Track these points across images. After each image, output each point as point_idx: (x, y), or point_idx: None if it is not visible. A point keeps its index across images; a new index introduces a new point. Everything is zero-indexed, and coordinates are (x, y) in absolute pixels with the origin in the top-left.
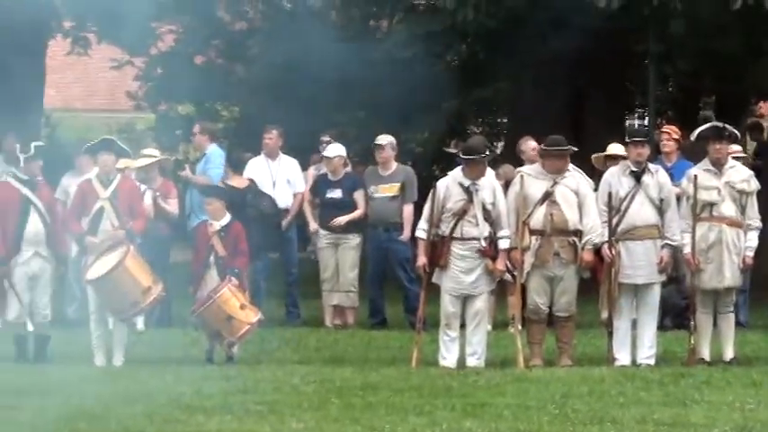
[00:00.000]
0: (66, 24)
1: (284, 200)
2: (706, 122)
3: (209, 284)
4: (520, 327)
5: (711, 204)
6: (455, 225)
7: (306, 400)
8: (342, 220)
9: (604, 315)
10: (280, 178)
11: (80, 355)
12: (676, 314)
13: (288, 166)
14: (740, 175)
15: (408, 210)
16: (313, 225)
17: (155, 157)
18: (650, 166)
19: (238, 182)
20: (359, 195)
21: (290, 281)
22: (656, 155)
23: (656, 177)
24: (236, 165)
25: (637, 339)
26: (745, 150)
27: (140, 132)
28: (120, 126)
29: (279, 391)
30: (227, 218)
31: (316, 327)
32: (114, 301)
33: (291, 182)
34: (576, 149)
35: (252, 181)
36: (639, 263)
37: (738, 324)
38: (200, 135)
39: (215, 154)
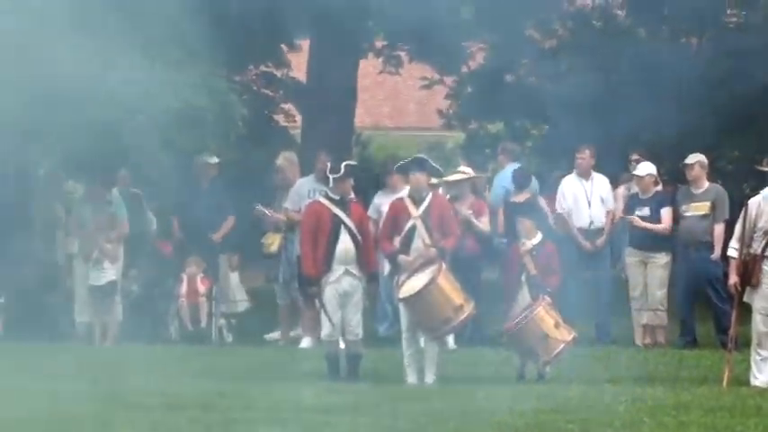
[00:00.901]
0: (378, 44)
1: (599, 218)
2: None
3: (521, 303)
4: None
5: None
6: (767, 244)
7: (617, 419)
8: (642, 224)
9: None
10: (594, 197)
11: (392, 374)
12: None
13: (600, 184)
14: None
15: (719, 228)
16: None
17: (465, 173)
18: None
19: (520, 197)
20: (665, 212)
21: (602, 299)
22: None
23: None
24: (520, 182)
25: None
26: None
27: (449, 150)
28: (430, 144)
29: (591, 409)
30: (539, 236)
31: (626, 345)
32: (426, 319)
33: (604, 200)
34: None
35: (532, 195)
36: None
37: None
38: (501, 155)
39: (504, 174)
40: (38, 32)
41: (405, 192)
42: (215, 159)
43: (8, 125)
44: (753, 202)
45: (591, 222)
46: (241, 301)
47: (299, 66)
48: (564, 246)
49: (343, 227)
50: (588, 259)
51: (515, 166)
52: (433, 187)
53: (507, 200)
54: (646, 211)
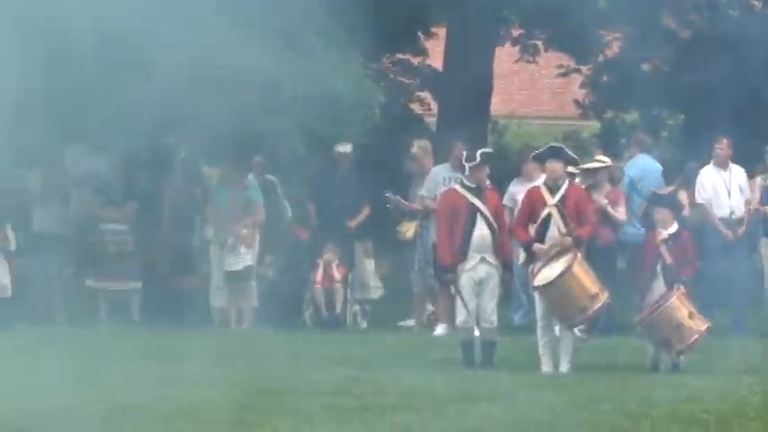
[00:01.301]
0: (514, 32)
1: (739, 208)
2: None
3: (656, 292)
4: None
5: None
6: None
7: (752, 410)
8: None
9: None
10: (733, 187)
11: (526, 362)
12: None
13: (738, 174)
14: None
15: None
16: None
17: (602, 162)
18: None
19: (665, 189)
20: None
21: (738, 289)
22: None
23: None
24: (667, 176)
25: None
26: None
27: (585, 140)
28: (565, 133)
29: (725, 400)
30: (675, 226)
31: (762, 336)
32: (561, 308)
33: (743, 190)
34: None
35: (675, 188)
36: None
37: None
38: (633, 146)
39: (631, 164)
40: (177, 18)
41: (540, 180)
42: (350, 147)
43: (147, 111)
44: None
45: (731, 212)
46: (375, 288)
47: (435, 54)
48: (700, 236)
49: (479, 214)
50: (725, 249)
51: (645, 156)
52: (570, 176)
53: (652, 191)
54: None
